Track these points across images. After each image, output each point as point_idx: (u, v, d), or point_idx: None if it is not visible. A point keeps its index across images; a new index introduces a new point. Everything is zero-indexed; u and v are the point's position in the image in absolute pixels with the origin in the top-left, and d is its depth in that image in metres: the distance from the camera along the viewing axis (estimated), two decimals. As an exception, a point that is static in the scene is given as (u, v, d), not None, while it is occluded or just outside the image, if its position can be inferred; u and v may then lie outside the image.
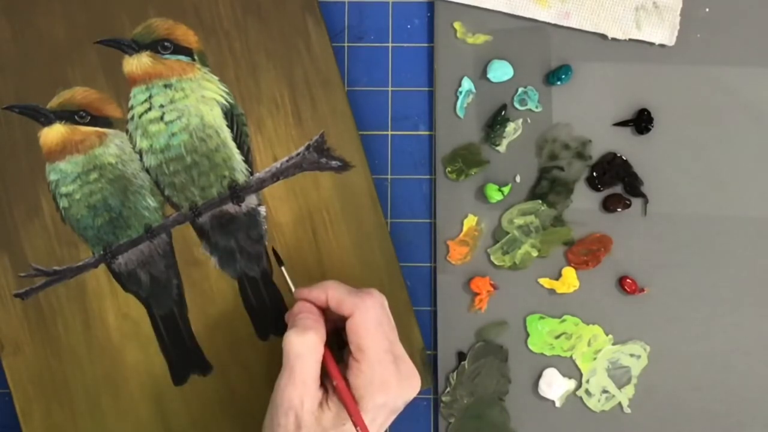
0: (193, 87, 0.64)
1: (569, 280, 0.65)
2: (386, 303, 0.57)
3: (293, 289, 0.58)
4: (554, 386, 0.65)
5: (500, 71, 0.65)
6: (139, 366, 0.65)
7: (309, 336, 0.54)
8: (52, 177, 0.64)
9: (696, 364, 0.65)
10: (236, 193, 0.64)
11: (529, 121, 0.66)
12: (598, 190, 0.65)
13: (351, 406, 0.53)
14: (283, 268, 0.60)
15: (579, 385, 0.65)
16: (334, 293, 0.56)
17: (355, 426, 0.53)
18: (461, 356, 0.65)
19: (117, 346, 0.65)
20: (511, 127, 0.65)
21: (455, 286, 0.66)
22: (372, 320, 0.54)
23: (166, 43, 0.64)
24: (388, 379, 0.53)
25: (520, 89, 0.66)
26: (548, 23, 0.65)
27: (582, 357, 0.65)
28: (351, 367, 0.54)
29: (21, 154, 0.64)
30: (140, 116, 0.64)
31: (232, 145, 0.64)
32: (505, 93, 0.66)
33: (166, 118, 0.64)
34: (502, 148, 0.66)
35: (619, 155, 0.65)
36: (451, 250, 0.65)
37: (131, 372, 0.64)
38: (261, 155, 0.65)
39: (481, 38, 0.66)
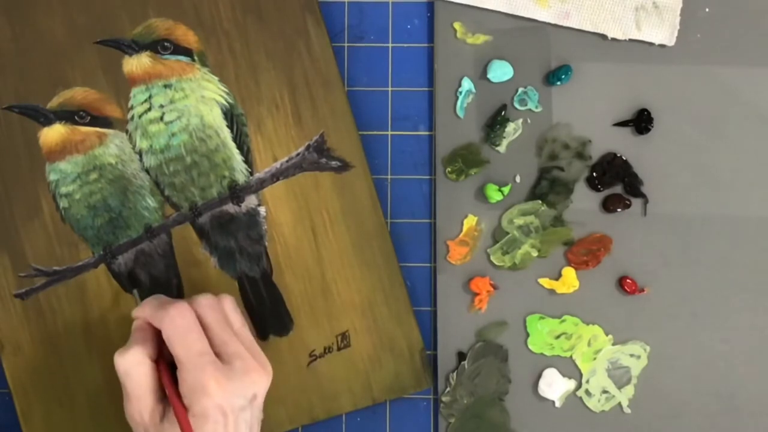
0: (193, 87, 0.64)
1: (569, 280, 0.65)
2: (210, 304, 0.56)
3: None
4: (554, 386, 0.65)
5: (500, 71, 0.65)
6: (139, 366, 0.64)
7: (131, 353, 0.55)
8: (52, 177, 0.64)
9: (696, 364, 0.65)
10: (236, 193, 0.64)
11: (529, 121, 0.66)
12: (598, 190, 0.65)
13: (177, 411, 0.53)
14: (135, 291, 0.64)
15: (579, 385, 0.65)
16: (147, 309, 0.56)
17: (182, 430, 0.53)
18: (461, 356, 0.65)
19: (117, 346, 0.64)
20: (511, 127, 0.65)
21: (455, 286, 0.66)
22: (178, 328, 0.54)
23: (166, 43, 0.64)
24: (206, 381, 0.53)
25: (520, 89, 0.66)
26: (548, 23, 0.65)
27: (582, 357, 0.65)
28: (177, 376, 0.55)
29: (21, 154, 0.64)
30: (140, 116, 0.64)
31: (232, 145, 0.64)
32: (505, 93, 0.66)
33: (166, 118, 0.64)
34: (502, 148, 0.66)
35: (619, 155, 0.65)
36: (451, 250, 0.65)
37: (131, 372, 0.64)
38: (261, 155, 0.65)
39: (481, 38, 0.66)
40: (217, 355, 0.55)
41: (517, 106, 0.66)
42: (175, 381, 0.55)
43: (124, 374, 0.55)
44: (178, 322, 0.54)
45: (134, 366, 0.55)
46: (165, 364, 0.56)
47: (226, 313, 0.57)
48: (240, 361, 0.55)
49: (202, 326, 0.55)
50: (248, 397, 0.55)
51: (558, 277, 0.65)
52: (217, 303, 0.57)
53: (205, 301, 0.56)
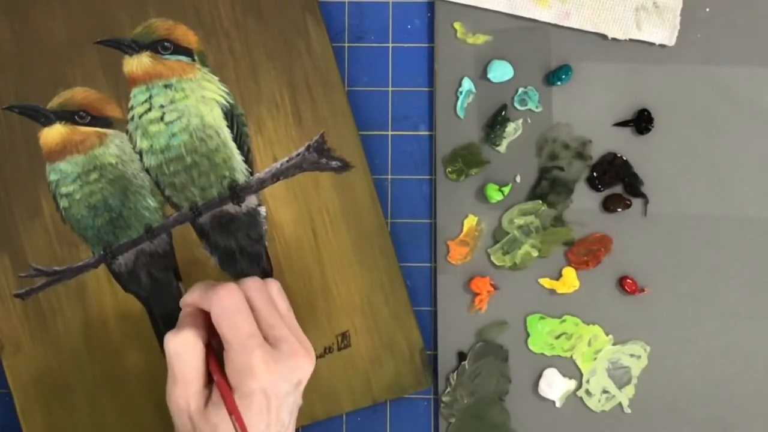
0: (193, 87, 0.64)
1: (569, 280, 0.65)
2: (258, 287, 0.56)
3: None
4: (554, 386, 0.65)
5: (500, 71, 0.65)
6: (139, 366, 0.65)
7: (183, 334, 0.54)
8: (52, 177, 0.64)
9: (696, 364, 0.65)
10: (236, 193, 0.64)
11: (529, 121, 0.66)
12: (598, 190, 0.65)
13: (224, 393, 0.53)
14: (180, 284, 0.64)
15: (579, 385, 0.65)
16: (196, 293, 0.56)
17: (229, 414, 0.53)
18: (461, 356, 0.65)
19: (117, 346, 0.65)
20: (511, 127, 0.65)
21: (455, 286, 0.66)
22: (227, 309, 0.54)
23: (166, 44, 0.64)
24: (254, 364, 0.53)
25: (520, 89, 0.66)
26: (548, 23, 0.65)
27: (582, 357, 0.65)
28: (224, 358, 0.55)
29: (21, 154, 0.64)
30: (140, 116, 0.64)
31: (232, 145, 0.64)
32: (505, 93, 0.66)
33: (167, 118, 0.64)
34: (502, 148, 0.66)
35: (619, 155, 0.65)
36: (451, 250, 0.65)
37: (131, 372, 0.64)
38: (261, 155, 0.65)
39: (481, 38, 0.66)
40: (264, 338, 0.54)
41: (517, 106, 0.66)
42: (221, 365, 0.54)
43: (174, 355, 0.54)
44: (226, 302, 0.54)
45: (186, 347, 0.54)
46: (212, 348, 0.56)
47: (273, 296, 0.57)
48: (287, 345, 0.55)
49: (250, 308, 0.55)
50: (293, 383, 0.55)
51: (558, 277, 0.65)
52: (263, 286, 0.57)
53: (252, 284, 0.56)
